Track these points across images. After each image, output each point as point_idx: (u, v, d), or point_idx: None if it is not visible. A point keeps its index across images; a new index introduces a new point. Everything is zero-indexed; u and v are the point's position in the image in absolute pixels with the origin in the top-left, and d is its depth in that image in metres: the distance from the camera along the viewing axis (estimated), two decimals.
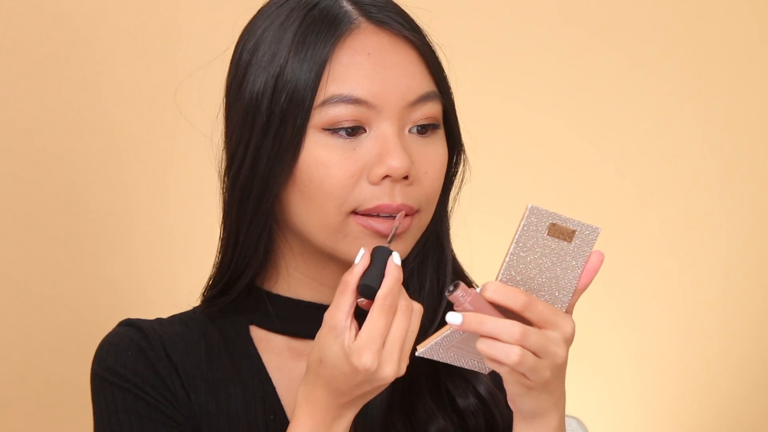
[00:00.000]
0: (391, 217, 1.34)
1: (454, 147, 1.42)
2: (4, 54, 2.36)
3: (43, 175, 2.38)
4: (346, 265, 1.35)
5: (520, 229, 1.23)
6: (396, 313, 1.25)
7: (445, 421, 1.40)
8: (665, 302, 2.61)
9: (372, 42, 1.36)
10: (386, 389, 1.37)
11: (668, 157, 2.61)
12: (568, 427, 2.23)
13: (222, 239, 1.44)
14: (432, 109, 1.37)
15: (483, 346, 1.23)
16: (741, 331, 2.62)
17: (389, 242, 1.30)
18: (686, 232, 2.61)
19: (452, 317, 1.23)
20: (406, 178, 1.35)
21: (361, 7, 1.37)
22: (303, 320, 1.41)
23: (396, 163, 1.33)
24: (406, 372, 1.33)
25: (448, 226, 1.46)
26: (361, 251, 1.27)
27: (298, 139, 1.34)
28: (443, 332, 1.25)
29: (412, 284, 1.43)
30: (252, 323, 1.43)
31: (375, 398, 1.36)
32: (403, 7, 1.42)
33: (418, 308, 1.27)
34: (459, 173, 1.45)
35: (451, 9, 2.50)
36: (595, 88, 2.59)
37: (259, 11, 1.42)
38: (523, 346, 1.22)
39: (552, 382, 1.26)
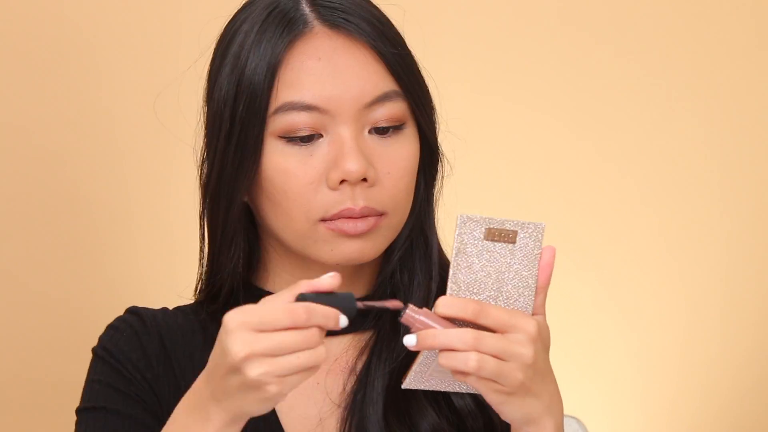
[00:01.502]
0: (362, 218, 1.34)
1: (427, 144, 1.41)
2: (3, 54, 2.36)
3: (43, 175, 2.38)
4: (326, 267, 1.35)
5: (455, 240, 1.23)
6: (300, 331, 1.18)
7: (439, 419, 1.39)
8: (665, 302, 2.61)
9: (324, 45, 1.35)
10: (378, 388, 1.37)
11: (668, 157, 2.60)
12: (568, 428, 2.23)
13: (200, 248, 1.45)
14: (393, 109, 1.36)
15: (443, 359, 1.21)
16: (741, 331, 2.61)
17: (362, 302, 1.25)
18: (686, 232, 2.61)
19: (407, 339, 1.22)
20: (365, 180, 1.34)
21: (318, 10, 1.37)
22: None
23: (351, 166, 1.33)
24: (399, 370, 1.35)
25: (433, 220, 1.45)
26: (333, 276, 1.22)
27: (257, 147, 1.35)
28: (418, 359, 1.24)
29: (401, 279, 1.43)
30: None
31: (369, 396, 1.37)
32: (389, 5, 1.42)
33: (320, 352, 1.19)
34: (439, 171, 1.44)
35: (450, 9, 2.49)
36: (594, 87, 2.59)
37: (235, 13, 1.42)
38: (479, 351, 1.20)
39: (533, 386, 1.23)
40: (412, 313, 1.22)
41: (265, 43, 1.35)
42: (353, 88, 1.34)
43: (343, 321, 1.21)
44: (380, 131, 1.36)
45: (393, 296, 1.44)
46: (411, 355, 1.32)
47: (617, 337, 2.59)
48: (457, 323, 1.22)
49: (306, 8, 1.36)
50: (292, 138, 1.35)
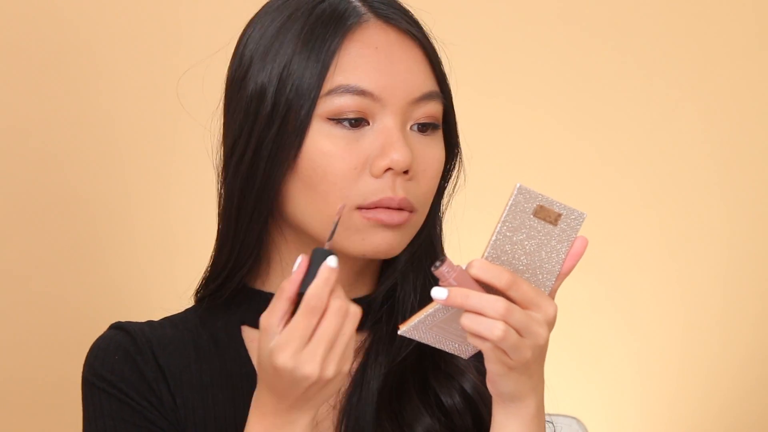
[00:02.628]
0: (398, 210, 1.35)
1: (451, 150, 1.43)
2: (3, 53, 2.36)
3: (42, 175, 2.38)
4: (342, 258, 1.35)
5: (507, 208, 1.23)
6: (325, 314, 1.22)
7: (432, 420, 1.39)
8: (665, 302, 2.61)
9: (380, 37, 1.37)
10: (373, 390, 1.38)
11: (668, 157, 2.61)
12: (568, 428, 2.23)
13: (220, 233, 1.44)
14: (433, 109, 1.38)
15: (467, 321, 1.22)
16: (741, 331, 2.62)
17: (328, 240, 1.27)
18: (686, 232, 2.61)
19: (437, 292, 1.23)
20: (406, 172, 1.35)
21: (368, 3, 1.39)
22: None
23: (398, 156, 1.34)
24: (394, 372, 1.36)
25: (440, 229, 1.46)
26: (299, 259, 1.24)
27: (303, 127, 1.35)
28: (427, 310, 1.25)
29: (407, 285, 1.43)
30: (244, 323, 1.43)
31: (364, 398, 1.38)
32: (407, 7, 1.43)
33: (354, 311, 1.24)
34: (453, 177, 1.45)
35: (450, 9, 2.50)
36: (594, 88, 2.59)
37: (265, 5, 1.43)
38: (506, 323, 1.22)
39: (533, 365, 1.25)
40: (448, 268, 1.22)
41: (320, 30, 1.36)
42: (406, 81, 1.36)
43: (332, 261, 1.24)
44: (421, 128, 1.38)
45: (390, 300, 1.44)
46: (407, 359, 1.34)
47: (617, 337, 2.59)
48: (484, 288, 1.23)
49: (356, 1, 1.39)
50: (340, 120, 1.35)
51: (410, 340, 1.32)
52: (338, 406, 1.40)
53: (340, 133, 1.35)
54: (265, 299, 1.40)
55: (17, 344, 2.37)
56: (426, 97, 1.37)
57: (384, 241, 1.36)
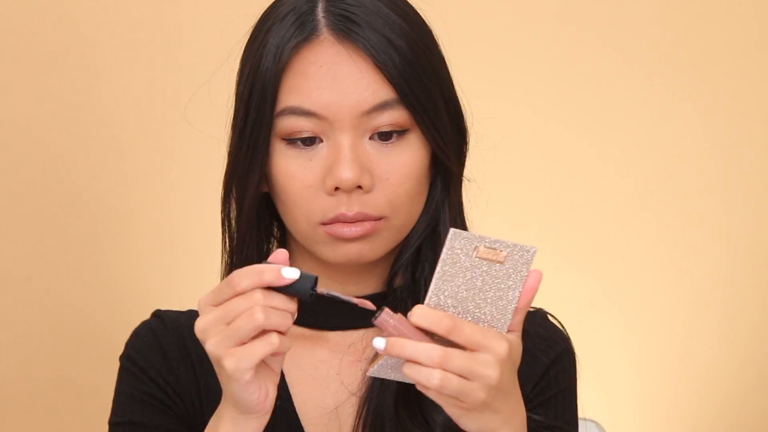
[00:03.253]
0: (356, 222, 1.37)
1: (441, 149, 1.42)
2: (4, 53, 2.36)
3: (44, 175, 2.38)
4: (338, 264, 1.41)
5: (443, 254, 1.23)
6: (242, 295, 1.23)
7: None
8: (665, 302, 2.61)
9: (328, 53, 1.38)
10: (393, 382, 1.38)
11: (668, 157, 2.60)
12: (586, 431, 2.25)
13: (222, 241, 1.48)
14: (393, 117, 1.38)
15: (408, 370, 1.22)
16: (741, 331, 2.61)
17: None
18: (686, 232, 2.61)
19: (377, 342, 1.23)
20: (360, 188, 1.37)
21: (329, 17, 1.39)
22: (315, 311, 1.43)
23: (344, 174, 1.36)
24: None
25: (447, 221, 1.45)
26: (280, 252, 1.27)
27: (265, 146, 1.39)
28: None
29: (411, 279, 1.45)
30: None
31: (386, 385, 1.39)
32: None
33: (257, 316, 1.23)
34: (453, 173, 1.44)
35: (449, 9, 2.49)
36: (593, 89, 2.59)
37: (264, 12, 1.45)
38: (445, 369, 1.20)
39: (494, 403, 1.24)
40: (387, 317, 1.23)
41: (276, 46, 1.39)
42: (351, 95, 1.37)
43: (288, 272, 1.23)
44: (383, 137, 1.39)
45: (400, 297, 1.45)
46: None
47: (617, 337, 2.59)
48: (430, 334, 1.23)
49: (320, 13, 1.39)
50: (293, 140, 1.38)
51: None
52: (359, 392, 1.42)
53: (294, 153, 1.38)
54: None
55: (19, 343, 2.37)
56: (379, 108, 1.37)
57: (352, 251, 1.39)
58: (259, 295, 1.22)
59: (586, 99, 2.59)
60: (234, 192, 1.43)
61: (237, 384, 1.24)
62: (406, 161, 1.39)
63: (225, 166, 1.46)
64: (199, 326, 1.24)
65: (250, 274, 1.23)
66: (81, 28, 2.39)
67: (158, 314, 1.50)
